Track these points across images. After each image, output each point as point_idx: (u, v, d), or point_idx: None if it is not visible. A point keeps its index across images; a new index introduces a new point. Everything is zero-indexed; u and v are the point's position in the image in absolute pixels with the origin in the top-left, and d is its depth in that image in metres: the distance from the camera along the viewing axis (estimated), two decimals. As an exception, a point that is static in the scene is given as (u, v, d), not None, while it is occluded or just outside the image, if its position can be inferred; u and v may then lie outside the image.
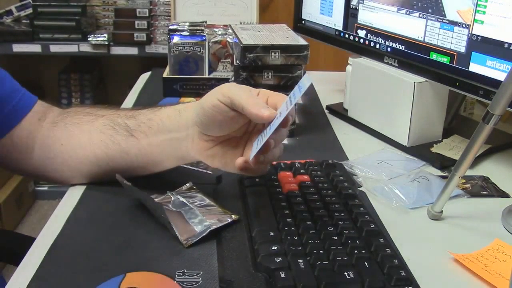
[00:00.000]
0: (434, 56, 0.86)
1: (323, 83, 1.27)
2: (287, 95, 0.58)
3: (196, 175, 0.76)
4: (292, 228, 0.59)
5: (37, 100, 0.78)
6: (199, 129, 0.64)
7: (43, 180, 2.42)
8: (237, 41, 0.89)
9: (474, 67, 0.79)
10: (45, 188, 2.52)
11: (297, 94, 0.55)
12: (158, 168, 0.70)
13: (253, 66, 0.87)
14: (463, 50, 0.81)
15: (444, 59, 0.84)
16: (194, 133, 0.65)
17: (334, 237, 0.58)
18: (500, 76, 0.75)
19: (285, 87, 0.88)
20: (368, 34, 0.99)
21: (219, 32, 1.17)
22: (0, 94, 0.73)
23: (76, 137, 0.72)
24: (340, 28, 1.06)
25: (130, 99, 1.15)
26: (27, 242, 0.66)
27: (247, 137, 0.65)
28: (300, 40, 0.90)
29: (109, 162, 0.70)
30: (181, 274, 0.56)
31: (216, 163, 0.66)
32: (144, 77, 1.31)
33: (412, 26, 0.89)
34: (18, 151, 0.74)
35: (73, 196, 0.72)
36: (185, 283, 0.54)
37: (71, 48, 2.13)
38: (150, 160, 0.69)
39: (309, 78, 0.54)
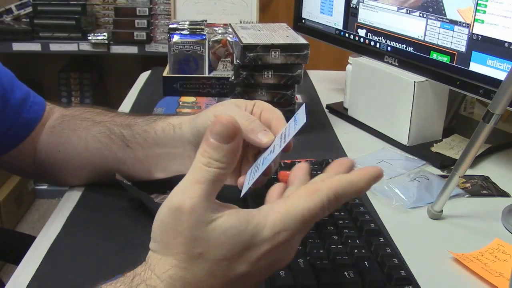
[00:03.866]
0: (434, 56, 0.86)
1: (323, 82, 1.27)
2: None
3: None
4: (292, 228, 0.59)
5: (45, 107, 0.76)
6: (194, 148, 0.64)
7: (42, 181, 2.44)
8: (237, 40, 0.89)
9: (474, 67, 0.79)
10: (45, 187, 2.52)
11: (291, 129, 0.54)
12: (154, 177, 0.70)
13: (253, 65, 0.87)
14: (463, 49, 0.81)
15: (445, 59, 0.84)
16: (190, 150, 0.65)
17: (334, 237, 0.58)
18: (501, 75, 0.75)
19: (285, 86, 0.88)
20: (369, 33, 0.99)
21: (219, 31, 1.17)
22: (12, 104, 0.72)
23: (73, 144, 0.71)
24: (340, 27, 1.05)
25: (130, 98, 1.15)
26: (27, 240, 0.66)
27: (243, 153, 0.65)
28: (300, 39, 0.89)
29: (106, 169, 0.70)
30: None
31: None
32: (144, 76, 1.31)
33: (413, 25, 0.89)
34: (21, 157, 0.74)
35: (73, 196, 0.72)
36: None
37: (71, 47, 2.13)
38: (146, 169, 0.69)
39: (303, 115, 0.53)
